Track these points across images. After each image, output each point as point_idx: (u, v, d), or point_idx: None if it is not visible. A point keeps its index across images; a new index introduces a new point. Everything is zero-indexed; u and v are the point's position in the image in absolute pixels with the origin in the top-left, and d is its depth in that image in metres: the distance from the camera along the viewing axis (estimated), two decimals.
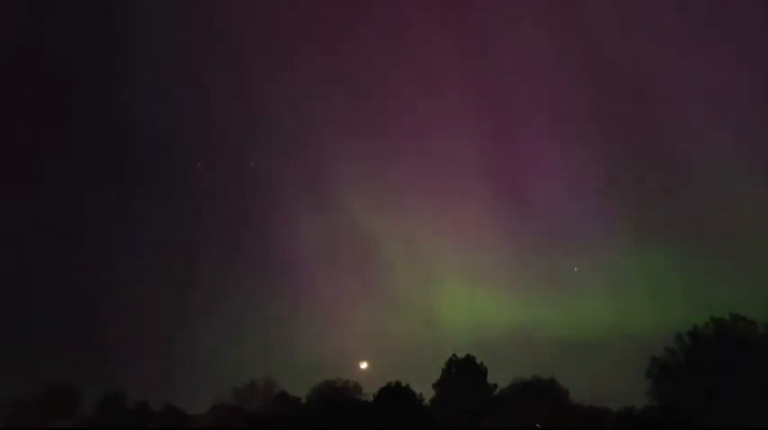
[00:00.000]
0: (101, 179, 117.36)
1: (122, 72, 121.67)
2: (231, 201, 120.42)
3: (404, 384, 63.93)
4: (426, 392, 66.24)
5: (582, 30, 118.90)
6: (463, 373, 66.45)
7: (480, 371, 66.98)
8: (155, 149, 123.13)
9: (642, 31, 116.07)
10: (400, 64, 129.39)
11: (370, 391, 68.29)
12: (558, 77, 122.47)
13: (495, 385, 67.60)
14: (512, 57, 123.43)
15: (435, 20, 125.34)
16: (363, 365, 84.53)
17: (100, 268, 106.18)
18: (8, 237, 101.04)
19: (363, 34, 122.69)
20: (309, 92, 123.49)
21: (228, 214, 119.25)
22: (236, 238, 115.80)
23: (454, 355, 67.91)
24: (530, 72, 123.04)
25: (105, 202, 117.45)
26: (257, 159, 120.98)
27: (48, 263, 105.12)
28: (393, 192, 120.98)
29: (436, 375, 67.77)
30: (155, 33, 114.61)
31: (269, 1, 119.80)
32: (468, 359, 67.47)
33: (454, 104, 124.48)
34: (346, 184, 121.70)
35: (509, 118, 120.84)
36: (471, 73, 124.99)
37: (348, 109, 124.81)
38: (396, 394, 61.94)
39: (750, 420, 54.63)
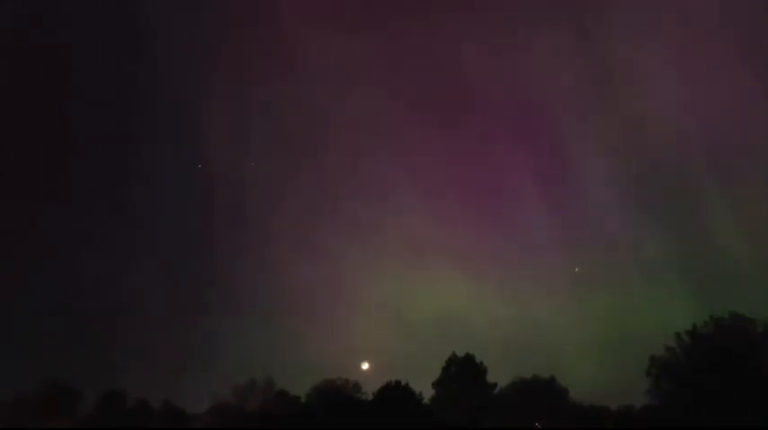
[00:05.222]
0: (102, 179, 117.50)
1: (124, 72, 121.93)
2: (231, 201, 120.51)
3: (404, 383, 64.08)
4: (426, 391, 66.41)
5: (582, 32, 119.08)
6: (463, 372, 66.39)
7: (480, 371, 66.94)
8: (156, 150, 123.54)
9: (645, 37, 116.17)
10: (403, 64, 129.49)
11: (370, 391, 68.46)
12: (559, 78, 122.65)
13: (495, 384, 67.57)
14: (511, 58, 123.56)
15: (436, 22, 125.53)
16: (365, 366, 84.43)
17: (100, 268, 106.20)
18: (9, 236, 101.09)
19: (365, 35, 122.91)
20: (311, 92, 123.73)
21: (229, 214, 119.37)
22: (236, 238, 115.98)
23: (454, 354, 67.80)
24: (531, 72, 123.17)
25: (106, 203, 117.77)
26: (258, 160, 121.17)
27: (48, 262, 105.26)
28: (394, 191, 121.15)
29: (436, 374, 67.83)
30: (157, 35, 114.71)
31: (270, 3, 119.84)
32: (468, 358, 67.43)
33: (454, 105, 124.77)
34: (346, 184, 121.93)
35: (510, 119, 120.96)
36: (471, 75, 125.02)
37: (348, 109, 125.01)
38: (395, 393, 61.99)
39: (750, 419, 54.49)
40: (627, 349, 78.02)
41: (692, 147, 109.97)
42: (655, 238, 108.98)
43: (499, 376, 68.43)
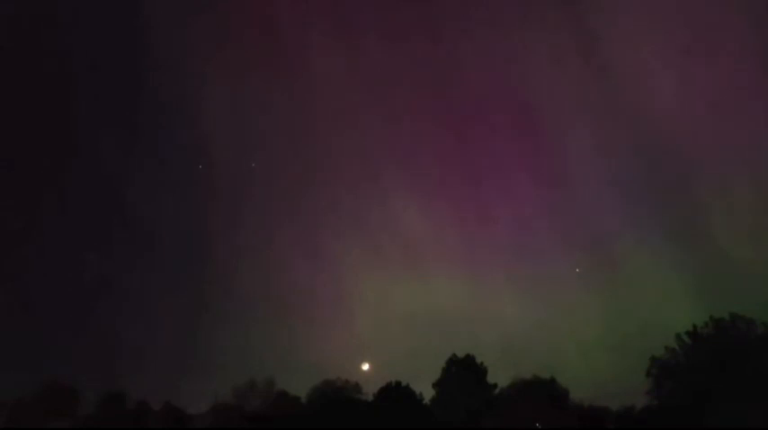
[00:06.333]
0: (102, 179, 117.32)
1: (124, 72, 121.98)
2: (232, 202, 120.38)
3: (404, 384, 64.12)
4: (427, 392, 66.42)
5: (582, 32, 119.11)
6: (463, 373, 66.43)
7: (480, 371, 67.01)
8: (156, 150, 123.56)
9: (645, 37, 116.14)
10: (403, 64, 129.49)
11: (370, 391, 68.48)
12: (558, 76, 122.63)
13: (495, 384, 67.62)
14: (511, 58, 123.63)
15: (436, 22, 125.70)
16: (365, 366, 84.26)
17: (100, 268, 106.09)
18: (8, 236, 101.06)
19: (364, 35, 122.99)
20: (312, 92, 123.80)
21: (229, 214, 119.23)
22: (236, 238, 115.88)
23: (454, 355, 67.89)
24: (530, 70, 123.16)
25: (106, 203, 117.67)
26: (259, 160, 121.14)
27: (48, 262, 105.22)
28: (395, 192, 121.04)
29: (436, 375, 67.88)
30: (157, 35, 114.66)
31: (270, 4, 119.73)
32: (468, 358, 67.48)
33: (454, 105, 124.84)
34: (345, 185, 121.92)
35: (510, 119, 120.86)
36: (471, 75, 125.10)
37: (349, 110, 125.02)
38: (395, 393, 62.09)
39: (749, 420, 54.57)
40: (627, 349, 78.01)
41: (692, 147, 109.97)
42: (655, 239, 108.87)
43: (499, 376, 68.52)
